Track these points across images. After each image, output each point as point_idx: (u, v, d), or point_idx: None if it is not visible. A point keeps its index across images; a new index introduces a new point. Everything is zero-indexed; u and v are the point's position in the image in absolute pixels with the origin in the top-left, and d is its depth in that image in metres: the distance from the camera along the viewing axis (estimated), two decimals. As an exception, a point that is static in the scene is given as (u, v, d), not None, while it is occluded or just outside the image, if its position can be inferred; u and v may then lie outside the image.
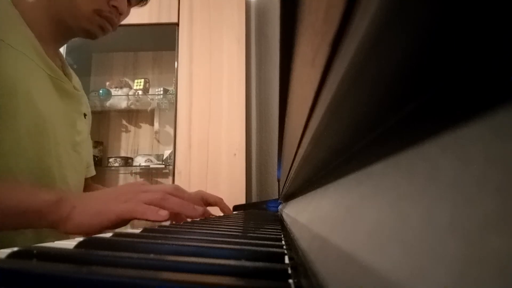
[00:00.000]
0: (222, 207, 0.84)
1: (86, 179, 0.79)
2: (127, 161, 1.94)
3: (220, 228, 0.43)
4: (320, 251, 0.16)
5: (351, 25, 0.09)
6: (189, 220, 0.56)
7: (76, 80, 0.76)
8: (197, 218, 0.48)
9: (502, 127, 0.07)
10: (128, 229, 0.40)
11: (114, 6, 0.66)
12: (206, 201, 0.82)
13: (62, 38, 0.69)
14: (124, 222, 0.46)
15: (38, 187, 0.50)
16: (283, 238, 0.35)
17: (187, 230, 0.40)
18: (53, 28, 0.65)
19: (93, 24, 0.66)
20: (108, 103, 2.00)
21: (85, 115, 0.75)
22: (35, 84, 0.58)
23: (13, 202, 0.44)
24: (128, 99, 2.00)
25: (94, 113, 2.09)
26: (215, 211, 0.84)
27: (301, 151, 0.29)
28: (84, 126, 0.74)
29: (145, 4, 0.75)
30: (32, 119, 0.56)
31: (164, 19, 1.77)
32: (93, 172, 0.83)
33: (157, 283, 0.16)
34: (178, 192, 0.51)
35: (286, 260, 0.23)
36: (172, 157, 1.67)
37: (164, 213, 0.43)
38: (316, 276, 0.13)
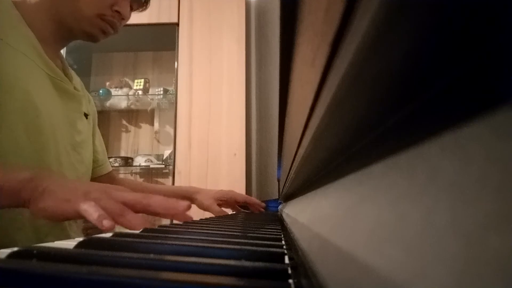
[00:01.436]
0: (253, 203, 0.93)
1: (105, 175, 0.83)
2: (127, 161, 1.94)
3: (220, 228, 0.43)
4: (320, 251, 0.16)
5: (351, 25, 0.09)
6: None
7: (77, 80, 0.77)
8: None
9: (502, 127, 0.07)
10: (128, 229, 0.40)
11: (117, 11, 0.67)
12: (234, 201, 0.92)
13: (63, 39, 0.69)
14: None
15: (13, 167, 0.49)
16: (283, 238, 0.35)
17: (187, 230, 0.40)
18: (54, 29, 0.65)
19: (95, 28, 0.67)
20: (108, 103, 2.00)
21: (86, 115, 0.76)
22: (34, 84, 0.58)
23: None
24: (128, 99, 2.00)
25: (94, 113, 2.08)
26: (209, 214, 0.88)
27: (301, 151, 0.29)
28: (85, 126, 0.75)
29: (145, 9, 0.77)
30: (30, 118, 0.56)
31: (164, 19, 1.77)
32: (109, 168, 0.86)
33: (157, 283, 0.16)
34: (142, 205, 0.46)
35: (286, 260, 0.23)
36: (172, 157, 1.67)
37: (107, 224, 0.40)
38: (316, 276, 0.13)
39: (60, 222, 0.44)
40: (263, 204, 0.96)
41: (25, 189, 0.44)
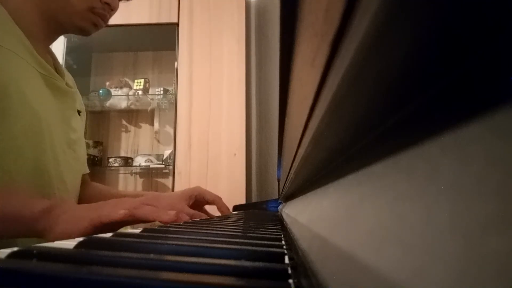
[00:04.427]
0: (220, 205, 0.81)
1: (82, 176, 0.78)
2: (127, 161, 1.94)
3: (220, 228, 0.43)
4: (320, 251, 0.16)
5: (351, 25, 0.09)
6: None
7: (69, 77, 0.75)
8: (169, 221, 0.50)
9: (502, 127, 0.07)
10: (128, 229, 0.40)
11: (106, 3, 0.67)
12: (203, 198, 0.79)
13: (53, 34, 0.68)
14: (104, 228, 0.48)
15: (31, 196, 0.53)
16: (283, 238, 0.35)
17: (187, 230, 0.40)
18: (43, 25, 0.64)
19: (86, 21, 0.66)
20: (108, 103, 2.00)
21: (79, 112, 0.75)
22: (28, 83, 0.57)
23: (8, 209, 0.46)
24: (128, 99, 2.00)
25: (94, 113, 2.09)
26: (214, 211, 0.84)
27: (301, 151, 0.29)
28: (79, 123, 0.74)
29: None
30: (26, 118, 0.55)
31: (164, 19, 1.77)
32: (86, 169, 0.82)
33: (157, 283, 0.16)
34: (154, 202, 0.53)
35: (286, 260, 0.23)
36: (172, 157, 1.67)
37: (122, 212, 0.47)
38: (316, 276, 0.13)
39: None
40: (230, 211, 0.83)
41: (43, 219, 0.47)
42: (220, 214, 0.82)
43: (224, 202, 0.83)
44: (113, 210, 0.48)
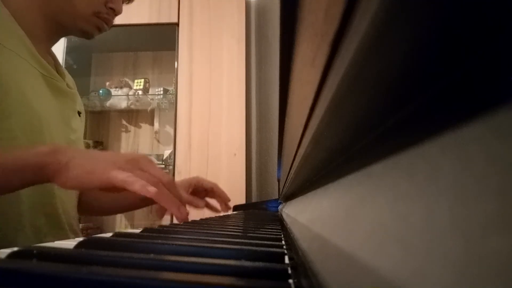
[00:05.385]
0: (219, 193, 0.84)
1: None
2: (127, 161, 1.94)
3: (220, 228, 0.43)
4: (320, 251, 0.16)
5: (351, 25, 0.09)
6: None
7: (69, 78, 0.75)
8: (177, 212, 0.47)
9: (502, 127, 0.07)
10: (128, 229, 0.40)
11: (111, 8, 0.67)
12: (202, 186, 0.83)
13: (55, 36, 0.68)
14: (115, 189, 0.45)
15: (32, 145, 0.50)
16: (283, 238, 0.35)
17: (187, 230, 0.40)
18: (46, 26, 0.64)
19: (90, 25, 0.66)
20: (108, 103, 1.99)
21: (79, 113, 0.75)
22: (28, 83, 0.57)
23: (10, 159, 0.44)
24: (128, 99, 2.00)
25: (94, 113, 2.08)
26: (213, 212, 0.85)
27: (301, 151, 0.29)
28: (79, 124, 0.74)
29: (132, 1, 0.76)
30: (26, 118, 0.55)
31: (164, 19, 1.77)
32: None
33: (157, 283, 0.16)
34: (169, 186, 0.49)
35: (286, 260, 0.23)
36: (172, 157, 1.67)
37: (152, 190, 0.43)
38: (316, 276, 0.13)
39: (89, 190, 0.44)
40: (229, 199, 0.87)
41: (48, 163, 0.44)
42: (219, 206, 0.86)
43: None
44: (132, 181, 0.43)
